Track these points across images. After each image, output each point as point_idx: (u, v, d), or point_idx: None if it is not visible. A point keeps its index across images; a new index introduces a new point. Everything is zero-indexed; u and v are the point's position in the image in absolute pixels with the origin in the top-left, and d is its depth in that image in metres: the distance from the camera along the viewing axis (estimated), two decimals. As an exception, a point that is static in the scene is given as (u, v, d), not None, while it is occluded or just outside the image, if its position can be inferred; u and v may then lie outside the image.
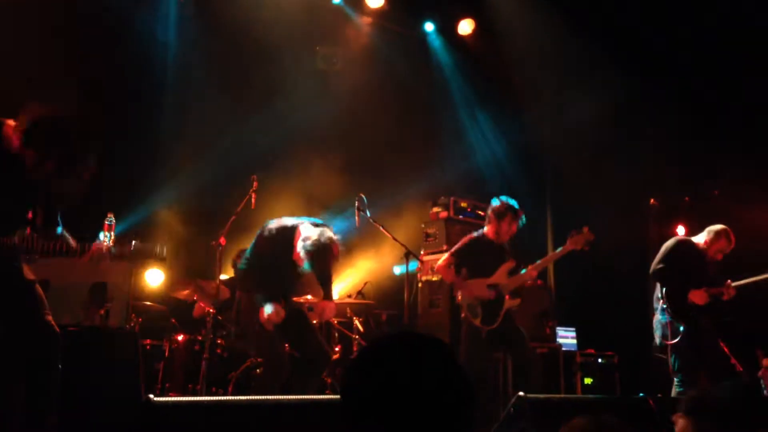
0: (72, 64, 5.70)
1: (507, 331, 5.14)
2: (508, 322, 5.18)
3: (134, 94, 6.48)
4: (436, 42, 8.34)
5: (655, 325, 5.31)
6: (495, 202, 5.32)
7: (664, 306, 5.18)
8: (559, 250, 5.39)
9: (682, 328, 5.07)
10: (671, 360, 5.17)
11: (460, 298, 5.23)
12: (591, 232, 5.35)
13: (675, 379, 5.14)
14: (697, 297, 5.13)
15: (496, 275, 5.22)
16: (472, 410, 1.27)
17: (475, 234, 5.42)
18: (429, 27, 8.29)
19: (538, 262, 5.31)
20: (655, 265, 5.28)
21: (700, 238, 5.40)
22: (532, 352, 5.41)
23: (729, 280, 5.27)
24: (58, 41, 5.71)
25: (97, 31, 6.15)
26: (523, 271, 5.30)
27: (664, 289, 5.23)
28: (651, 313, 5.46)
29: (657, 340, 5.27)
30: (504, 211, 5.23)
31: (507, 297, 5.20)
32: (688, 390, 4.82)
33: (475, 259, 5.26)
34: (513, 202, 5.27)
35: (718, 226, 5.38)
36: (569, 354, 6.73)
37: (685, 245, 5.35)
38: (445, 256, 5.39)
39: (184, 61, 6.88)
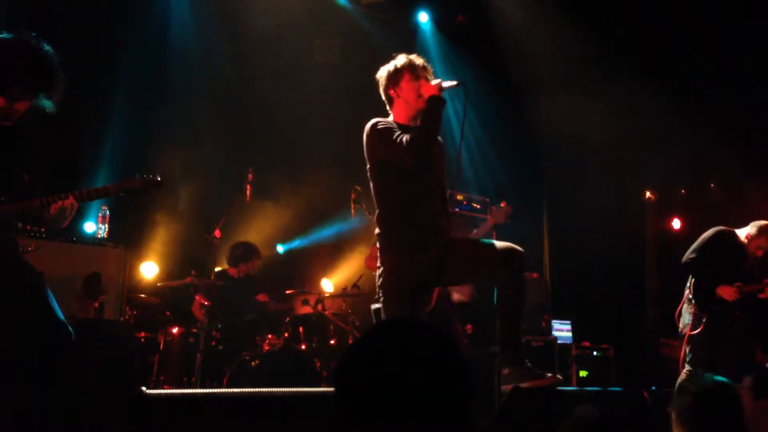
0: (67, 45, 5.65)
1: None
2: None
3: (130, 82, 6.44)
4: (432, 34, 8.31)
5: (680, 313, 5.22)
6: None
7: (691, 296, 5.10)
8: (480, 226, 5.41)
9: (704, 321, 4.99)
10: (686, 350, 5.12)
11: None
12: (509, 206, 5.39)
13: (684, 371, 5.10)
14: (726, 293, 4.96)
15: None
16: (471, 400, 1.24)
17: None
18: (423, 18, 8.25)
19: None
20: (688, 254, 5.12)
21: (743, 232, 5.24)
22: None
23: (767, 280, 5.10)
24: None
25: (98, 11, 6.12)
26: None
27: (693, 280, 5.12)
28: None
29: (679, 328, 5.19)
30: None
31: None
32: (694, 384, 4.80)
33: None
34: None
35: (762, 222, 5.22)
36: (565, 347, 6.74)
37: (724, 236, 5.18)
38: None
39: (182, 51, 6.84)
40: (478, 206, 7.19)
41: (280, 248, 7.66)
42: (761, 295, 5.10)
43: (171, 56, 6.82)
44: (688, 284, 5.18)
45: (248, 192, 5.27)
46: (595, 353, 6.83)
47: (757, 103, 7.01)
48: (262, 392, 2.62)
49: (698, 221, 5.51)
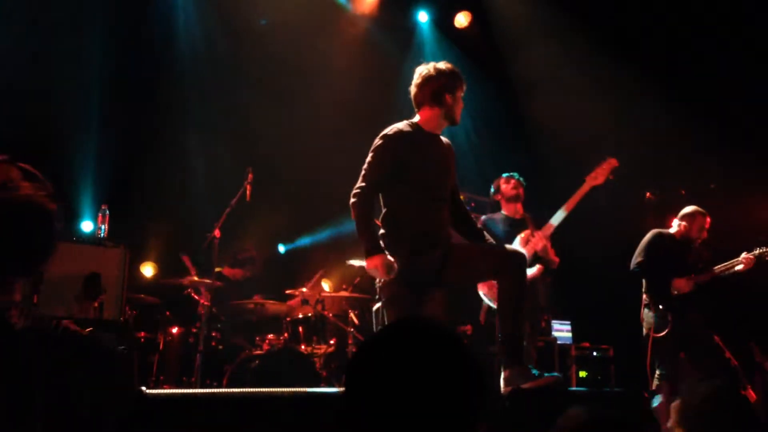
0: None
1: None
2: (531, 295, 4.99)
3: (130, 82, 6.44)
4: (431, 34, 8.31)
5: (642, 318, 5.32)
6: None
7: (649, 301, 5.21)
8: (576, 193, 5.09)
9: (669, 319, 5.05)
10: (651, 354, 5.16)
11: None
12: (614, 159, 4.94)
13: (656, 374, 5.13)
14: (682, 285, 5.12)
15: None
16: (482, 403, 1.23)
17: (486, 216, 5.49)
18: (423, 18, 8.24)
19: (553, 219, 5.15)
20: (634, 259, 5.31)
21: (674, 227, 5.46)
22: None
23: (714, 268, 5.31)
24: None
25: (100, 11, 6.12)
26: None
27: (647, 283, 5.26)
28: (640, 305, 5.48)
29: (644, 332, 5.27)
30: (497, 182, 5.51)
31: None
32: (666, 384, 4.85)
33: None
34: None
35: (688, 209, 5.47)
36: (564, 347, 6.74)
37: (663, 236, 5.38)
38: None
39: (183, 51, 6.85)
40: (476, 205, 7.20)
41: (281, 248, 7.65)
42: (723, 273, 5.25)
43: (171, 56, 6.82)
44: (644, 289, 5.30)
45: (248, 192, 5.26)
46: (594, 354, 6.83)
47: (757, 103, 7.01)
48: (262, 392, 2.61)
49: (699, 221, 5.52)
